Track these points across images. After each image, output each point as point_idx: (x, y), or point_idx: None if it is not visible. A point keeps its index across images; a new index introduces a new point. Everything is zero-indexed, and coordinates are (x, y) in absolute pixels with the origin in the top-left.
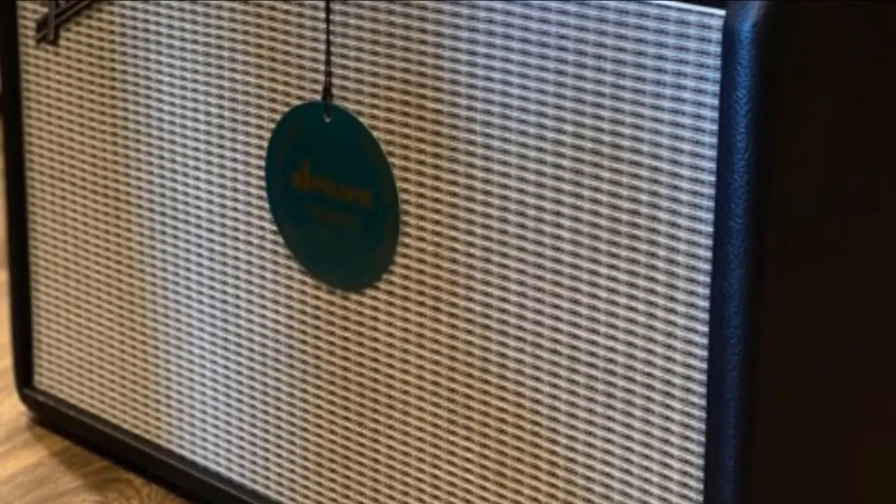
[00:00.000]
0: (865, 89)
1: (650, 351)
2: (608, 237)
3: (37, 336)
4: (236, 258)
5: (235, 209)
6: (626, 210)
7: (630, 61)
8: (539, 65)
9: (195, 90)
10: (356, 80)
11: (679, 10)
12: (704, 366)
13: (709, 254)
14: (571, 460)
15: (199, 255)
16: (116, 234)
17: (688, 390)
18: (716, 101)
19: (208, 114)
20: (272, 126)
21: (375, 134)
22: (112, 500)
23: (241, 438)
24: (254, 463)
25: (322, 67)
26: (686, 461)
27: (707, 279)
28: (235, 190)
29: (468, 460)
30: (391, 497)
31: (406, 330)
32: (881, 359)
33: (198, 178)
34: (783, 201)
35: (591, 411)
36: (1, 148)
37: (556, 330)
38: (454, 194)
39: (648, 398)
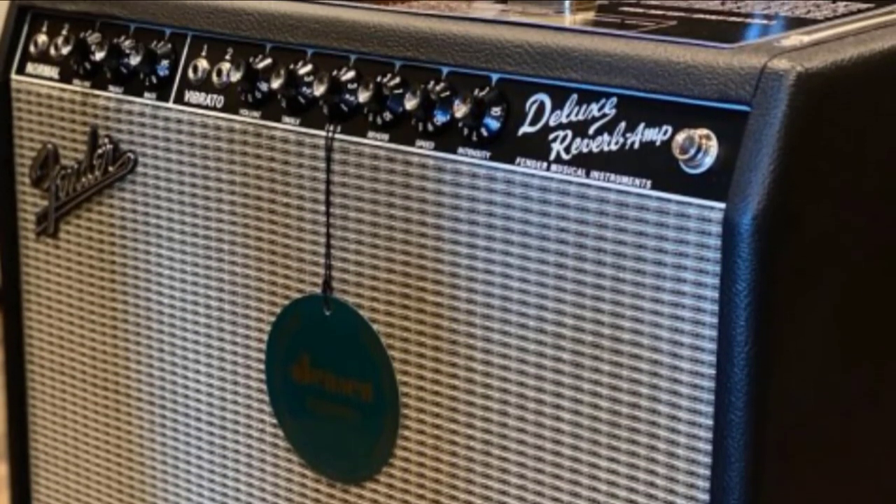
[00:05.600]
0: (865, 284)
1: None
2: (608, 430)
3: None
4: (236, 451)
5: (235, 402)
6: (626, 403)
7: (630, 253)
8: (539, 257)
9: (195, 283)
10: (356, 272)
11: (679, 202)
12: None
13: (709, 447)
14: None
15: (199, 447)
16: (116, 427)
17: None
18: (716, 294)
19: (208, 306)
20: (272, 319)
21: (375, 327)
22: None
23: None
24: None
25: (322, 260)
26: None
27: (707, 472)
28: (235, 383)
29: None
30: None
31: None
32: None
33: (198, 371)
34: (783, 395)
35: None
36: (1, 340)
37: None
38: (454, 387)
39: None
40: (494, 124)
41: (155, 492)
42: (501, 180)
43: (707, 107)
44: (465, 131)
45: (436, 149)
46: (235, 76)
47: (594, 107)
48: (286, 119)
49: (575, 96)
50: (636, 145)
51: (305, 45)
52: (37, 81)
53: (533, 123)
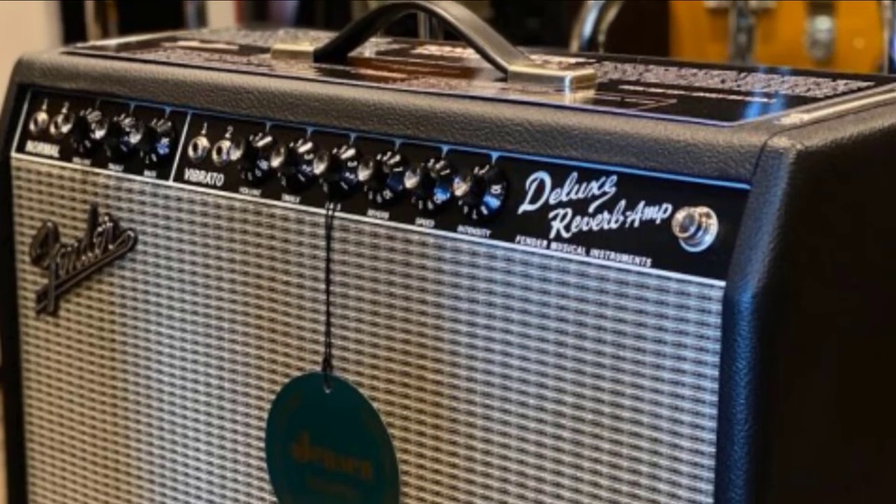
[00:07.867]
0: (865, 362)
1: None
2: None
3: None
4: None
5: (235, 480)
6: (627, 481)
7: (630, 331)
8: (539, 335)
9: (195, 361)
10: (356, 351)
11: (679, 280)
12: None
13: None
14: None
15: None
16: None
17: None
18: (716, 372)
19: (208, 384)
20: (272, 397)
21: (375, 405)
22: None
23: None
24: None
25: (322, 338)
26: None
27: None
28: (235, 461)
29: None
30: None
31: None
32: None
33: (198, 449)
34: (783, 473)
35: None
36: (1, 419)
37: None
38: (454, 465)
39: None
40: (494, 202)
41: None
42: (501, 258)
43: (707, 185)
44: (465, 209)
45: (436, 227)
46: (235, 154)
47: (594, 185)
48: (286, 197)
49: (575, 174)
50: (636, 223)
51: (305, 124)
52: (37, 159)
53: (533, 202)
